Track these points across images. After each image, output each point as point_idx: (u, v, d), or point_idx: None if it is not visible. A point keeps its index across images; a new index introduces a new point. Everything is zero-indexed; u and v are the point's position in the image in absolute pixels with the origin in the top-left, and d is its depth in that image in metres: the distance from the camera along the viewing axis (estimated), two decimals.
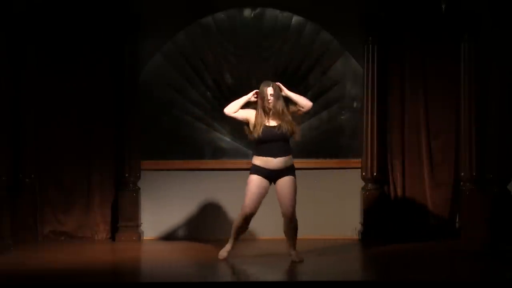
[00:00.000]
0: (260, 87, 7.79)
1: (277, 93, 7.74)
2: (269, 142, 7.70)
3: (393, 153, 9.12)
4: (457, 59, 9.02)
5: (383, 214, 9.01)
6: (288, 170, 7.75)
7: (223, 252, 7.89)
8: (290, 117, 7.75)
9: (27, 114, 8.96)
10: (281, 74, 9.20)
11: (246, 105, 7.87)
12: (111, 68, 9.11)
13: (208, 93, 9.33)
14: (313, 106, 9.12)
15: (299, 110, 7.83)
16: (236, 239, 7.90)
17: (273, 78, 8.86)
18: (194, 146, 9.32)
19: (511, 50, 8.63)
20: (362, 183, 9.16)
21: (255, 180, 7.72)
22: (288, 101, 7.84)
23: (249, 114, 7.81)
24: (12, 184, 8.71)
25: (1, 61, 8.46)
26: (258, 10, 9.32)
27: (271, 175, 7.73)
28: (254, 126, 7.75)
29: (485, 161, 8.90)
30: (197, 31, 9.27)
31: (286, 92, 7.81)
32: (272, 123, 7.73)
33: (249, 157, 9.09)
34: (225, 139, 9.31)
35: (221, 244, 8.04)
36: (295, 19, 9.28)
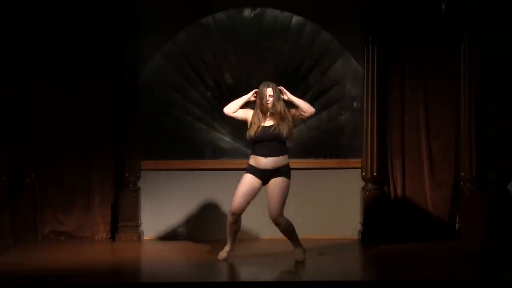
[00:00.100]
0: (260, 87, 7.79)
1: (277, 94, 7.74)
2: (262, 142, 7.70)
3: (393, 153, 9.12)
4: (457, 59, 9.02)
5: (383, 214, 9.01)
6: (280, 171, 7.71)
7: (223, 253, 7.89)
8: (291, 119, 7.74)
9: (27, 114, 8.97)
10: (281, 74, 9.20)
11: (246, 105, 7.88)
12: (111, 68, 9.11)
13: (208, 93, 9.33)
14: (313, 106, 9.16)
15: (300, 114, 7.81)
16: (232, 239, 7.88)
17: (273, 78, 8.90)
18: (194, 146, 9.32)
19: (511, 50, 8.64)
20: (362, 183, 9.16)
21: (246, 179, 7.73)
22: (289, 104, 7.83)
23: (248, 114, 7.81)
24: (12, 184, 8.71)
25: (1, 61, 8.46)
26: (258, 10, 9.32)
27: (263, 175, 7.71)
28: (250, 125, 7.75)
29: (485, 161, 8.90)
30: (197, 31, 9.27)
31: (289, 96, 7.79)
32: (269, 123, 7.72)
33: (249, 157, 9.12)
34: (225, 139, 9.31)
35: (221, 244, 8.04)
36: (295, 19, 9.28)
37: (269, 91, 7.71)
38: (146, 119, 9.21)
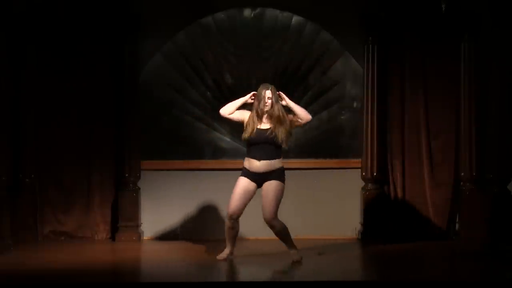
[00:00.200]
0: (259, 89, 7.77)
1: (276, 97, 7.72)
2: (257, 144, 7.68)
3: (393, 153, 9.12)
4: (457, 59, 9.02)
5: (383, 214, 9.01)
6: (274, 174, 7.69)
7: (222, 254, 7.88)
8: (288, 124, 7.72)
9: (27, 114, 8.97)
10: (281, 74, 9.20)
11: (243, 106, 7.86)
12: (111, 68, 9.10)
13: (208, 93, 9.33)
14: (313, 106, 9.19)
15: (297, 121, 7.79)
16: (232, 242, 7.87)
17: (273, 78, 8.91)
18: (194, 146, 9.32)
19: (511, 50, 8.64)
20: (362, 183, 9.16)
21: (241, 182, 7.73)
22: (286, 110, 7.81)
23: (245, 115, 7.80)
24: (12, 184, 8.71)
25: (1, 61, 8.46)
26: (258, 10, 9.32)
27: (257, 178, 7.70)
28: (246, 126, 7.74)
29: (485, 161, 8.91)
30: (197, 31, 9.27)
31: (287, 101, 7.76)
32: (265, 126, 7.71)
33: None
34: (225, 139, 9.31)
35: (221, 244, 8.04)
36: (295, 19, 9.28)
37: (268, 93, 7.70)
38: (146, 119, 9.21)
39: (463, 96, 9.01)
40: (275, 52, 9.29)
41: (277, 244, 8.21)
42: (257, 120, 7.71)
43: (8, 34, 8.60)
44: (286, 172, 7.81)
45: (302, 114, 7.77)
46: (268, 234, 8.81)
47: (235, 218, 7.73)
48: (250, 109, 7.83)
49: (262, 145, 7.66)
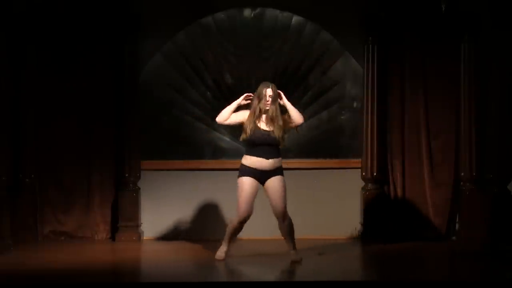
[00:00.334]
0: (259, 88, 7.77)
1: (275, 95, 7.73)
2: (262, 145, 7.69)
3: (393, 153, 9.12)
4: (457, 59, 9.02)
5: (383, 214, 9.01)
6: (276, 171, 7.74)
7: (221, 253, 7.88)
8: (281, 123, 7.72)
9: (27, 114, 8.97)
10: (281, 74, 9.20)
11: (237, 109, 7.84)
12: (111, 68, 9.10)
13: (208, 93, 9.33)
14: (313, 106, 9.20)
15: (290, 122, 7.79)
16: (231, 241, 7.90)
17: (273, 78, 8.90)
18: (194, 146, 9.32)
19: (511, 50, 8.64)
20: (362, 183, 9.16)
21: (247, 182, 7.72)
22: (281, 110, 7.81)
23: (241, 116, 7.78)
24: (12, 184, 8.71)
25: (1, 61, 8.46)
26: (258, 10, 9.32)
27: (261, 176, 7.71)
28: (244, 127, 7.72)
29: (485, 161, 8.91)
30: (197, 31, 9.27)
31: (285, 101, 7.77)
32: (265, 126, 7.70)
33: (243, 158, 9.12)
34: (225, 139, 9.31)
35: (220, 244, 8.03)
36: (295, 19, 9.28)
37: (269, 91, 7.70)
38: (146, 119, 9.21)
39: (463, 96, 9.01)
40: (275, 52, 9.29)
41: (277, 244, 8.22)
42: (258, 119, 7.71)
43: (8, 34, 8.60)
44: (286, 172, 7.84)
45: (296, 116, 7.75)
46: (268, 234, 8.83)
47: (247, 220, 7.74)
48: (246, 109, 7.82)
49: (266, 146, 7.68)
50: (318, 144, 9.29)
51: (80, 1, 8.98)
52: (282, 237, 7.87)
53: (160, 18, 9.14)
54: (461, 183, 9.02)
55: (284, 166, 7.84)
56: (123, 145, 9.08)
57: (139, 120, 9.13)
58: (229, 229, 7.87)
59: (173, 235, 9.17)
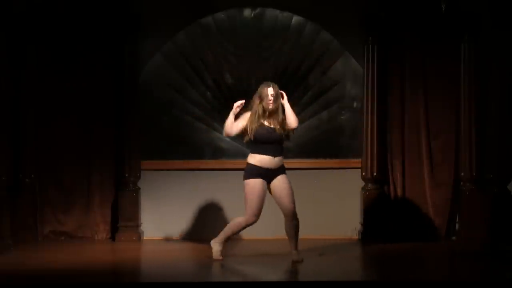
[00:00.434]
0: (260, 88, 7.77)
1: (277, 94, 7.73)
2: (267, 143, 7.70)
3: (393, 153, 9.12)
4: (457, 59, 9.02)
5: (383, 214, 9.01)
6: (281, 169, 7.77)
7: (217, 254, 7.87)
8: (281, 118, 7.72)
9: (27, 114, 8.97)
10: (281, 74, 9.20)
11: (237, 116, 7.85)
12: (111, 68, 9.11)
13: (208, 93, 9.33)
14: (313, 106, 9.21)
15: (286, 124, 7.77)
16: (228, 239, 7.90)
17: (273, 78, 8.90)
18: (194, 146, 9.32)
19: (511, 50, 8.64)
20: (362, 183, 9.16)
21: (257, 185, 7.69)
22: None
23: (244, 121, 7.78)
24: (12, 184, 8.71)
25: (1, 61, 8.45)
26: (258, 10, 9.31)
27: (268, 175, 7.72)
28: (247, 128, 7.72)
29: (485, 161, 8.91)
30: (197, 31, 9.27)
31: (285, 102, 7.75)
32: (268, 124, 7.71)
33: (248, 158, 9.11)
34: (225, 139, 9.30)
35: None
36: (295, 19, 9.28)
37: (270, 90, 7.71)
38: (146, 119, 9.21)
39: (463, 96, 9.01)
40: (275, 52, 9.29)
41: (277, 244, 8.23)
42: (260, 118, 7.71)
43: (8, 34, 8.59)
44: (286, 172, 7.84)
45: (292, 119, 7.73)
46: (268, 234, 8.83)
47: (255, 222, 7.76)
48: (246, 111, 7.82)
49: (272, 144, 7.69)
50: (318, 144, 9.29)
51: (80, 1, 8.98)
52: (285, 237, 7.86)
53: (160, 18, 9.14)
54: (461, 183, 9.02)
55: (284, 166, 7.85)
56: (123, 145, 9.08)
57: (139, 120, 9.13)
58: (230, 229, 7.84)
59: (173, 235, 9.17)
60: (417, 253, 8.40)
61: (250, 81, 9.18)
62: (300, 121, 8.13)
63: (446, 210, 9.07)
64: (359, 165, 9.15)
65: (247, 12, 9.32)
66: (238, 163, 9.01)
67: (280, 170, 7.75)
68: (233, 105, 7.82)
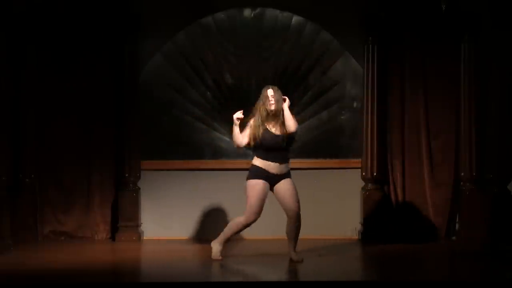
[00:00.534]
0: (262, 92, 7.76)
1: (279, 96, 7.70)
2: (273, 150, 7.69)
3: (393, 153, 9.12)
4: (457, 59, 9.02)
5: (383, 214, 9.01)
6: (287, 174, 7.78)
7: (217, 253, 7.86)
8: (281, 121, 7.72)
9: (27, 114, 8.97)
10: (281, 74, 9.20)
11: (241, 126, 7.84)
12: (111, 68, 9.11)
13: (208, 93, 9.33)
14: (313, 106, 9.21)
15: (285, 128, 7.78)
16: (228, 240, 7.89)
17: (273, 78, 8.91)
18: (194, 146, 9.32)
19: (511, 51, 8.64)
20: (362, 183, 9.16)
21: (260, 185, 7.69)
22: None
23: (250, 128, 7.78)
24: (12, 184, 8.71)
25: (1, 61, 8.45)
26: (258, 10, 9.32)
27: (272, 179, 7.72)
28: (253, 133, 7.72)
29: (485, 161, 8.91)
30: (197, 31, 9.27)
31: (285, 106, 7.68)
32: (274, 130, 7.69)
33: (249, 157, 9.07)
34: (225, 139, 9.31)
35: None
36: (295, 19, 9.28)
37: (270, 91, 7.69)
38: (146, 119, 9.21)
39: (463, 96, 9.01)
40: (275, 52, 9.29)
41: (277, 244, 8.22)
42: (264, 122, 7.69)
43: (8, 34, 8.59)
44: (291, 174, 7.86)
45: (290, 123, 7.67)
46: (268, 234, 8.83)
47: (253, 223, 7.76)
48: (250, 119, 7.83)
49: (278, 149, 7.68)
50: (318, 144, 9.29)
51: (80, 1, 8.98)
52: (285, 237, 7.86)
53: (160, 18, 9.14)
54: (461, 183, 9.02)
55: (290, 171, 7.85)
56: (123, 145, 9.08)
57: (139, 120, 9.13)
58: (230, 229, 7.83)
59: (173, 235, 9.17)
60: (417, 253, 8.40)
61: (250, 81, 9.18)
62: (300, 121, 8.15)
63: (446, 210, 9.07)
64: (359, 165, 9.15)
65: (247, 12, 9.32)
66: (238, 163, 9.04)
67: (285, 175, 7.76)
68: (233, 117, 7.78)
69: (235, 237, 8.02)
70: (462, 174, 9.00)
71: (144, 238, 9.15)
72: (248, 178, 7.73)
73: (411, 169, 9.08)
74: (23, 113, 8.95)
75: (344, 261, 8.05)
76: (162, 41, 9.24)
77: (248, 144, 7.79)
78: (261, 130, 7.68)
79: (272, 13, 9.29)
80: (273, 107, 7.68)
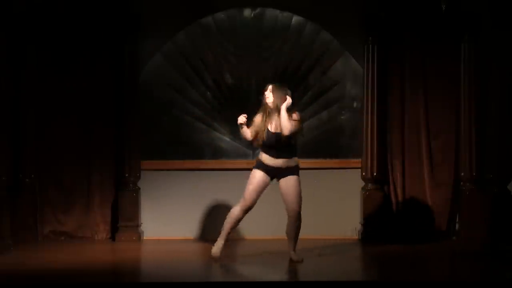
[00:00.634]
0: None
1: (277, 92, 7.70)
2: (272, 146, 7.71)
3: (393, 153, 9.12)
4: (457, 59, 9.02)
5: (383, 214, 9.01)
6: (291, 170, 7.76)
7: (217, 250, 7.85)
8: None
9: (27, 114, 8.96)
10: (281, 74, 9.20)
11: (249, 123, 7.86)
12: (111, 68, 9.10)
13: (208, 93, 9.33)
14: (313, 106, 9.22)
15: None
16: (228, 234, 7.86)
17: (273, 78, 8.91)
18: (194, 146, 9.32)
19: (511, 51, 8.64)
20: (362, 183, 9.16)
21: (257, 175, 7.75)
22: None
23: (256, 124, 7.80)
24: (12, 184, 8.71)
25: (1, 61, 8.45)
26: (258, 10, 9.31)
27: (275, 172, 7.74)
28: (254, 128, 7.74)
29: (485, 161, 8.91)
30: (197, 31, 9.27)
31: (283, 105, 7.64)
32: (273, 128, 7.70)
33: (249, 157, 9.14)
34: (225, 139, 9.31)
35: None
36: (295, 19, 9.28)
37: (269, 87, 7.70)
38: (146, 119, 9.21)
39: (463, 96, 9.01)
40: (275, 52, 9.29)
41: (277, 244, 8.22)
42: (266, 119, 7.72)
43: (8, 34, 8.59)
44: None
45: (284, 125, 7.64)
46: (268, 234, 8.83)
47: (248, 210, 7.76)
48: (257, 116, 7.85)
49: (276, 146, 7.69)
50: (318, 144, 9.28)
51: (80, 1, 8.98)
52: (285, 237, 7.86)
53: (160, 18, 9.14)
54: (461, 183, 9.02)
55: (297, 167, 7.84)
56: (123, 145, 9.07)
57: (139, 120, 9.13)
58: (229, 220, 7.82)
59: (173, 235, 9.17)
60: (417, 253, 8.40)
61: (250, 81, 9.18)
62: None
63: (446, 210, 9.07)
64: (359, 165, 9.15)
65: (247, 12, 9.32)
66: (238, 163, 9.04)
67: (289, 170, 7.74)
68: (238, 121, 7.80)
69: (236, 236, 7.97)
70: (462, 174, 9.00)
71: (144, 238, 9.15)
72: (252, 168, 7.80)
73: (411, 169, 9.08)
74: (23, 113, 8.95)
75: (344, 261, 8.05)
76: (162, 41, 9.24)
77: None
78: (261, 127, 7.69)
79: (272, 13, 9.29)
80: (269, 103, 7.67)
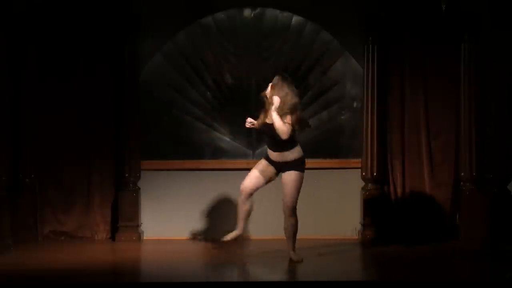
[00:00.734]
0: None
1: (279, 86, 7.69)
2: (268, 138, 7.78)
3: (393, 153, 9.12)
4: (457, 60, 9.02)
5: (383, 214, 9.01)
6: (290, 165, 7.76)
7: (228, 236, 7.88)
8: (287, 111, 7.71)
9: (27, 114, 8.96)
10: None
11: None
12: (111, 68, 9.10)
13: (208, 93, 9.33)
14: (313, 106, 9.22)
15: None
16: (241, 222, 7.88)
17: (273, 78, 8.89)
18: (194, 146, 9.32)
19: (511, 51, 8.64)
20: (362, 183, 9.15)
21: (261, 162, 7.86)
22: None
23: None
24: (12, 184, 8.71)
25: (1, 61, 8.46)
26: (258, 10, 9.32)
27: (273, 164, 7.81)
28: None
29: (485, 161, 8.91)
30: (197, 31, 9.27)
31: (273, 108, 7.62)
32: (268, 119, 7.73)
33: (249, 157, 9.15)
34: (225, 139, 9.31)
35: (221, 244, 8.03)
36: (295, 19, 9.28)
37: (274, 79, 7.73)
38: (146, 119, 9.21)
39: (463, 96, 9.01)
40: (275, 52, 9.29)
41: (278, 244, 8.22)
42: (266, 114, 7.74)
43: (8, 34, 8.59)
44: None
45: (279, 129, 7.64)
46: (268, 234, 8.83)
47: (244, 195, 7.79)
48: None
49: (270, 138, 7.75)
50: (318, 144, 9.28)
51: (80, 1, 8.98)
52: (284, 237, 7.86)
53: (160, 18, 9.14)
54: (461, 183, 9.03)
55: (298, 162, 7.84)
56: (123, 145, 9.07)
57: (139, 120, 9.13)
58: (238, 210, 7.90)
59: (173, 235, 9.17)
60: (417, 253, 8.39)
61: (250, 81, 9.18)
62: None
63: (446, 210, 9.07)
64: (359, 165, 9.15)
65: (247, 12, 9.32)
66: (238, 163, 9.04)
67: (289, 165, 7.74)
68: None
69: (246, 217, 7.90)
70: (462, 174, 9.01)
71: (144, 238, 9.15)
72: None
73: (411, 169, 9.08)
74: (23, 113, 8.95)
75: (344, 261, 8.05)
76: (162, 41, 9.24)
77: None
78: (262, 119, 7.77)
79: (272, 13, 9.29)
80: (266, 92, 7.72)
